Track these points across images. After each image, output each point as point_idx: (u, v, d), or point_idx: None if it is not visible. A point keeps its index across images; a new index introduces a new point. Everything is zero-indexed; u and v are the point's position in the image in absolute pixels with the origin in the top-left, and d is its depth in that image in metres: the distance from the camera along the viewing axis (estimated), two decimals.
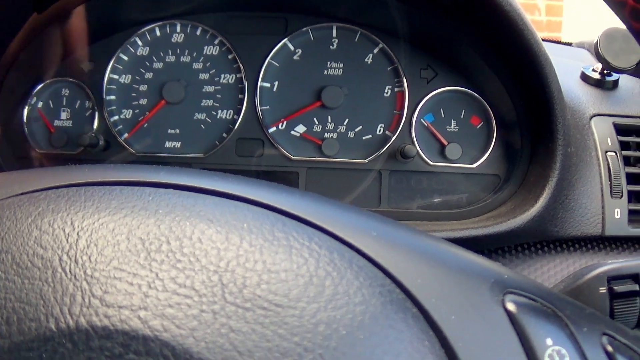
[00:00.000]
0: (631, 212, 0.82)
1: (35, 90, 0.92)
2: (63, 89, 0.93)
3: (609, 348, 0.33)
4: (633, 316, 0.53)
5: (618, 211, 0.81)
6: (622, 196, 0.82)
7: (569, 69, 0.96)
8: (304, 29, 0.89)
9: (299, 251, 0.32)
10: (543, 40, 1.16)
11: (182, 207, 0.34)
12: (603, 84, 0.92)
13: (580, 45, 1.15)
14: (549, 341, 0.32)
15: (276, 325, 0.29)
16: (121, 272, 0.30)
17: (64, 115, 0.92)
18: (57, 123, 0.93)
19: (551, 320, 0.34)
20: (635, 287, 0.54)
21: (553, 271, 0.82)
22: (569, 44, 1.16)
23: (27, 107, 0.92)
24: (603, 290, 0.54)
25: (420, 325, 0.31)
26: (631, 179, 0.83)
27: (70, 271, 0.30)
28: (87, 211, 0.33)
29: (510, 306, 0.33)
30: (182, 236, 0.32)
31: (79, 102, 0.92)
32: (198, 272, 0.30)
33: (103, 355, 0.28)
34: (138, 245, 0.31)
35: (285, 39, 0.89)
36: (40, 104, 0.93)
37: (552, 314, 0.34)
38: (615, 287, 0.54)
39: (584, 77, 0.93)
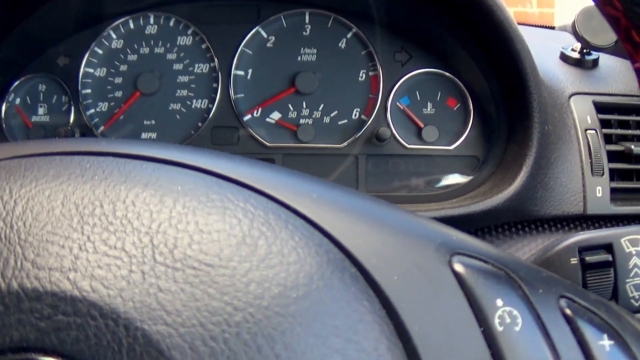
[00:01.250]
0: (613, 190, 0.80)
1: (13, 87, 0.93)
2: (40, 85, 0.93)
3: (568, 311, 0.32)
4: (607, 288, 0.51)
5: (600, 189, 0.80)
6: (603, 174, 0.81)
7: (548, 50, 0.95)
8: (277, 15, 0.89)
9: (232, 212, 0.32)
10: (524, 24, 1.15)
11: (118, 173, 0.34)
12: (583, 63, 0.91)
13: (563, 29, 1.14)
14: (499, 302, 0.31)
15: (206, 284, 0.28)
16: (54, 236, 0.30)
17: (41, 110, 0.93)
18: (34, 119, 0.93)
19: (502, 281, 0.33)
20: (609, 258, 0.52)
21: (535, 250, 0.81)
22: (552, 28, 1.15)
23: (4, 104, 0.93)
24: (574, 261, 0.52)
25: (358, 285, 0.30)
26: (612, 156, 0.82)
27: (5, 236, 0.30)
28: (25, 180, 0.33)
29: (458, 267, 0.32)
30: (115, 200, 0.32)
31: (55, 97, 0.92)
32: (129, 234, 0.30)
33: (33, 317, 0.28)
34: (72, 210, 0.31)
35: (258, 27, 0.89)
36: (17, 100, 0.93)
37: (505, 275, 0.33)
38: (587, 258, 0.52)
39: (564, 57, 0.93)
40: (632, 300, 0.51)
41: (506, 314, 0.31)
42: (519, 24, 1.16)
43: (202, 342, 0.27)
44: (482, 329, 0.30)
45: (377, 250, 0.32)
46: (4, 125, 0.92)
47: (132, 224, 0.30)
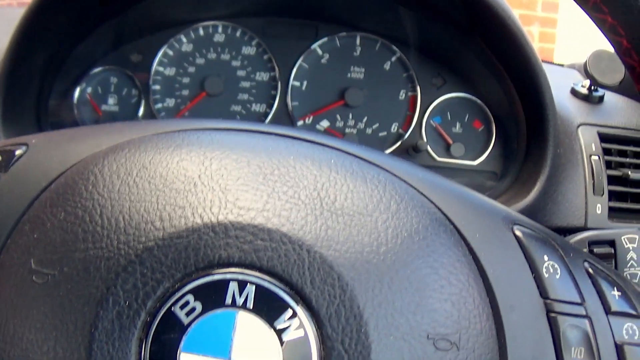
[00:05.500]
0: (610, 209, 0.93)
1: (86, 77, 1.03)
2: (112, 77, 1.03)
3: (590, 270, 0.45)
4: None
5: (599, 207, 0.93)
6: (603, 194, 0.94)
7: (560, 85, 1.08)
8: (332, 36, 1.01)
9: (371, 180, 0.44)
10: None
11: (285, 147, 0.45)
12: (590, 98, 1.04)
13: (571, 67, 1.28)
14: (545, 257, 0.44)
15: (358, 227, 0.40)
16: (246, 187, 0.41)
17: (111, 100, 1.03)
18: (104, 107, 1.03)
19: (547, 244, 0.46)
20: (611, 251, 0.64)
21: None
22: (561, 65, 1.29)
23: (77, 91, 1.03)
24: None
25: (455, 237, 0.43)
26: (612, 180, 0.95)
27: (208, 184, 0.40)
28: (215, 146, 0.44)
29: (518, 233, 0.45)
30: (288, 166, 0.43)
31: (125, 89, 1.03)
32: (302, 189, 0.41)
33: (238, 242, 0.38)
34: (256, 170, 0.42)
35: (315, 44, 1.01)
36: (89, 89, 1.03)
37: (548, 240, 0.46)
38: (595, 250, 0.64)
39: (574, 92, 1.06)
40: None
41: (550, 266, 0.44)
42: None
43: (361, 262, 0.39)
44: (534, 275, 0.43)
45: (464, 215, 0.45)
46: (75, 110, 1.03)
47: (303, 183, 0.42)
